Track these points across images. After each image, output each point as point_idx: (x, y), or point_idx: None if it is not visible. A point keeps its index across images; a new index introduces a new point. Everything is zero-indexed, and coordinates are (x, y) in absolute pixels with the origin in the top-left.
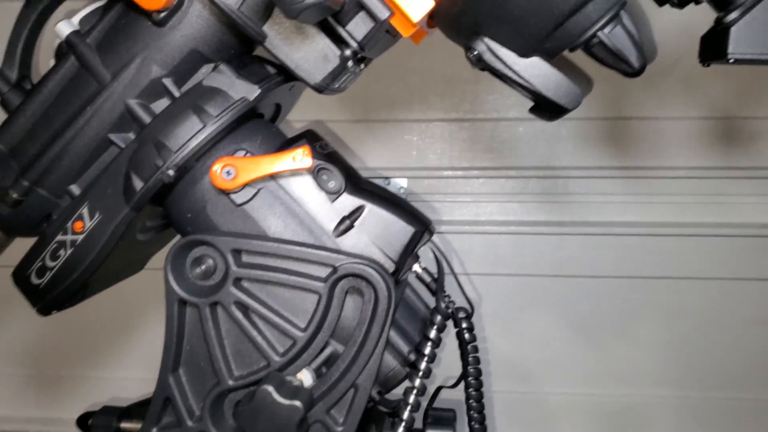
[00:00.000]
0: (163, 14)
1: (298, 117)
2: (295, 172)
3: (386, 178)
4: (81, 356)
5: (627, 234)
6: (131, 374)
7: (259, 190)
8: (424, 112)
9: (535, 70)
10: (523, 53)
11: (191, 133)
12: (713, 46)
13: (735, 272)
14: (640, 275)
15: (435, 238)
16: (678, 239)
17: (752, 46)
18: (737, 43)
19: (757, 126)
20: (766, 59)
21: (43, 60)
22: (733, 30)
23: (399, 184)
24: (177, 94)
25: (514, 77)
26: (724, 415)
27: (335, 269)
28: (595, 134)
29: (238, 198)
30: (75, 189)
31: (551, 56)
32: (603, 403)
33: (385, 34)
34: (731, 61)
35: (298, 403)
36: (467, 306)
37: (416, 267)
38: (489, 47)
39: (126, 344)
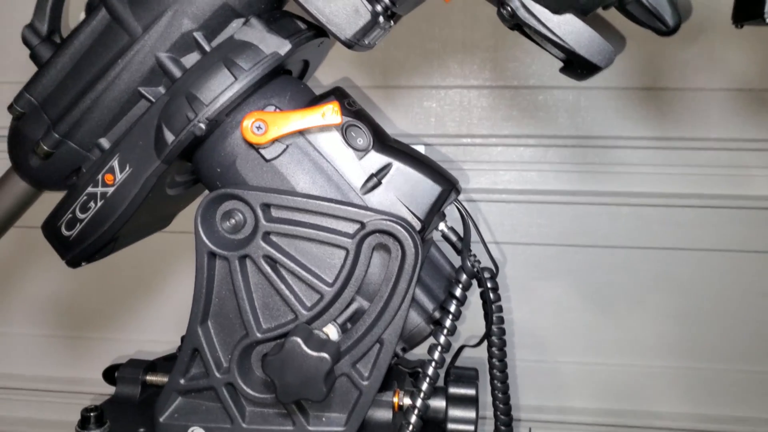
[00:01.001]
0: None
1: (316, 83)
2: (323, 129)
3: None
4: (105, 317)
5: (643, 204)
6: (155, 336)
7: (288, 146)
8: (443, 78)
9: (568, 26)
10: (557, 9)
11: (223, 87)
12: (748, 6)
13: (749, 245)
14: (654, 246)
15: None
16: (694, 210)
17: None
18: None
19: None
20: None
21: (73, 14)
22: None
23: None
24: (208, 48)
25: (548, 33)
26: (734, 387)
27: (363, 225)
28: (613, 104)
29: (268, 153)
30: (105, 142)
31: (585, 13)
32: (614, 373)
33: None
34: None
35: (325, 354)
36: (492, 267)
37: (442, 226)
38: (523, 2)
39: (150, 306)
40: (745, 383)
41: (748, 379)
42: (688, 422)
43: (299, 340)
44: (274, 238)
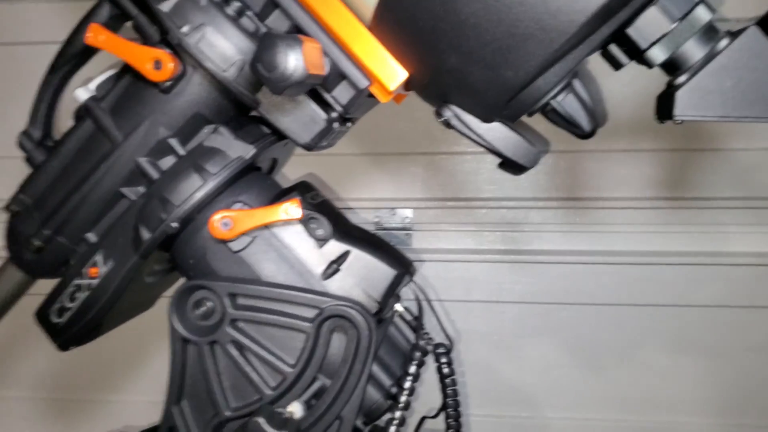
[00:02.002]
0: (168, 83)
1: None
2: (286, 222)
3: (392, 208)
4: (97, 381)
5: (626, 263)
6: (144, 398)
7: (254, 238)
8: (429, 145)
9: (496, 133)
10: (485, 119)
11: (192, 189)
12: (664, 107)
13: (731, 300)
14: (640, 303)
15: (429, 270)
16: (676, 267)
17: (695, 109)
18: (682, 106)
19: (750, 157)
20: (708, 120)
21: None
22: (678, 95)
23: (405, 214)
24: (182, 152)
25: (478, 140)
26: None
27: (321, 311)
28: (592, 165)
29: (235, 246)
30: (91, 237)
31: (511, 120)
32: (605, 428)
33: (367, 98)
34: (678, 122)
35: None
36: (447, 342)
37: (398, 306)
38: (455, 113)
39: (139, 370)
40: None
41: None
42: None
43: (261, 420)
44: (240, 324)
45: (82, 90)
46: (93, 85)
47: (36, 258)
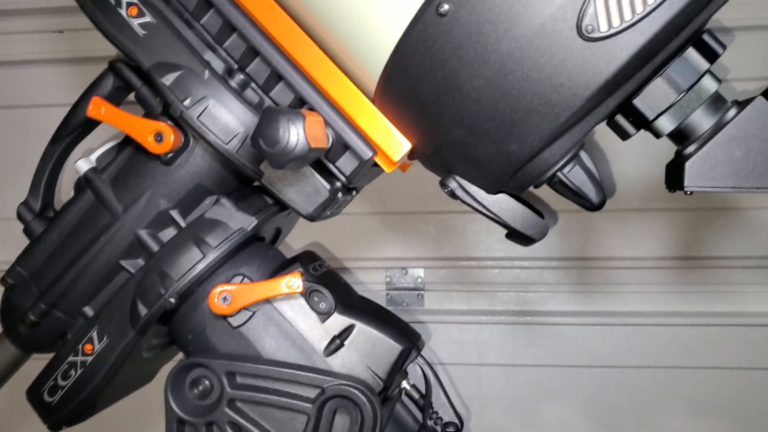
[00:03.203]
0: (169, 155)
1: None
2: (288, 295)
3: (403, 268)
4: None
5: (643, 324)
6: None
7: (254, 313)
8: (439, 204)
9: (502, 205)
10: (491, 191)
11: (192, 263)
12: (673, 177)
13: (752, 361)
14: (657, 365)
15: (441, 332)
16: (693, 328)
17: (705, 179)
18: (692, 177)
19: (764, 216)
20: (718, 191)
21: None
22: (687, 165)
23: (416, 273)
24: (183, 224)
25: (484, 212)
26: None
27: (323, 390)
28: (605, 226)
29: (235, 321)
30: (88, 310)
31: (518, 192)
32: None
33: (371, 168)
34: (688, 193)
35: None
36: (456, 422)
37: (404, 384)
38: (460, 184)
39: None
40: None
41: None
42: None
43: None
44: (238, 404)
45: (82, 161)
46: (94, 156)
47: (31, 332)
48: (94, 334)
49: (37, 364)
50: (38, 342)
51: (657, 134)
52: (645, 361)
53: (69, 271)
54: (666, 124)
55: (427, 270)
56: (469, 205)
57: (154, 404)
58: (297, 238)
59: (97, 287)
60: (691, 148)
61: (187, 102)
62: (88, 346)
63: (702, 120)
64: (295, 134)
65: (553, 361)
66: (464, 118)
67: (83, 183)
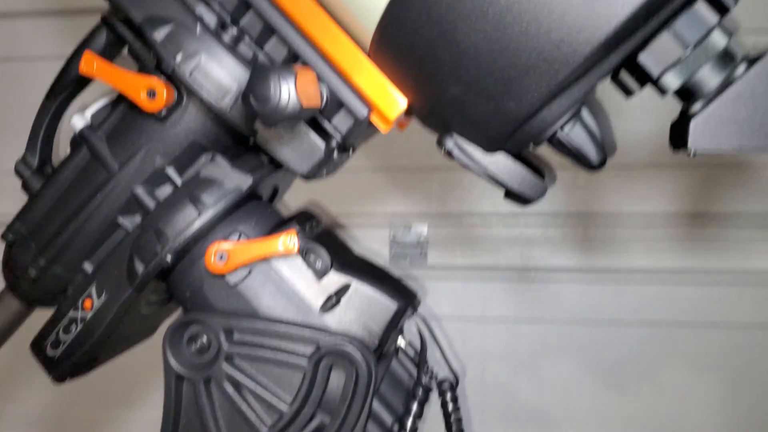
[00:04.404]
0: (163, 112)
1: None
2: (284, 254)
3: (407, 224)
4: (93, 417)
5: (647, 280)
6: None
7: (251, 271)
8: (444, 159)
9: (500, 164)
10: (489, 150)
11: (188, 221)
12: (678, 137)
13: (756, 319)
14: (662, 322)
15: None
16: (699, 285)
17: (710, 140)
18: (696, 137)
19: None
20: (724, 151)
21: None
22: (692, 125)
23: (420, 230)
24: (179, 181)
25: (482, 172)
26: None
27: (318, 347)
28: (612, 181)
29: (232, 279)
30: (88, 266)
31: (516, 151)
32: None
33: (368, 126)
34: (692, 154)
35: None
36: (452, 378)
37: (400, 341)
38: (457, 143)
39: (136, 405)
40: None
41: None
42: None
43: None
44: (236, 360)
45: (77, 118)
46: (89, 112)
47: (32, 287)
48: (93, 291)
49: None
50: (40, 296)
51: (662, 91)
52: (649, 317)
53: (67, 227)
54: (672, 81)
55: (430, 226)
56: (465, 165)
57: (155, 359)
58: (298, 195)
59: (95, 244)
60: (696, 107)
61: (179, 58)
62: (88, 302)
63: (709, 77)
64: (286, 92)
65: (557, 318)
66: (462, 74)
67: (78, 140)
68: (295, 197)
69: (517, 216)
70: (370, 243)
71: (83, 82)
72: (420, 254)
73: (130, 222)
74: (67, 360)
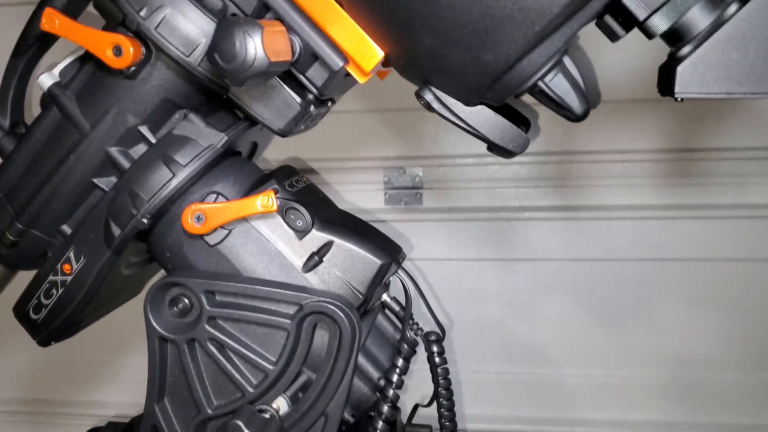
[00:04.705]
0: (131, 69)
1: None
2: (264, 213)
3: (401, 167)
4: (76, 381)
5: (643, 217)
6: (127, 399)
7: (231, 231)
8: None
9: (480, 117)
10: (468, 103)
11: (162, 182)
12: (665, 81)
13: (752, 253)
14: (656, 258)
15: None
16: (696, 221)
17: (698, 85)
18: (683, 82)
19: None
20: (712, 97)
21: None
22: (679, 69)
23: (415, 172)
24: (153, 140)
25: (461, 125)
26: (744, 395)
27: (301, 307)
28: (607, 118)
29: (211, 239)
30: (66, 228)
31: (496, 103)
32: (621, 384)
33: (345, 78)
34: (679, 99)
35: None
36: (438, 331)
37: (385, 297)
38: (436, 96)
39: (121, 367)
40: (756, 391)
41: (759, 386)
42: (697, 431)
43: (240, 423)
44: (219, 321)
45: (45, 76)
46: (57, 70)
47: (12, 252)
48: (71, 255)
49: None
50: (20, 260)
51: (649, 35)
52: (644, 254)
53: (42, 190)
54: (659, 23)
55: (425, 168)
56: (445, 118)
57: (141, 319)
58: (288, 141)
59: (72, 206)
60: (685, 50)
61: (143, 12)
62: (67, 266)
63: (698, 18)
64: (252, 47)
65: (552, 255)
66: (436, 25)
67: (48, 99)
68: (285, 144)
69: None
70: (364, 187)
71: (49, 39)
72: (415, 197)
73: (106, 183)
74: (50, 324)
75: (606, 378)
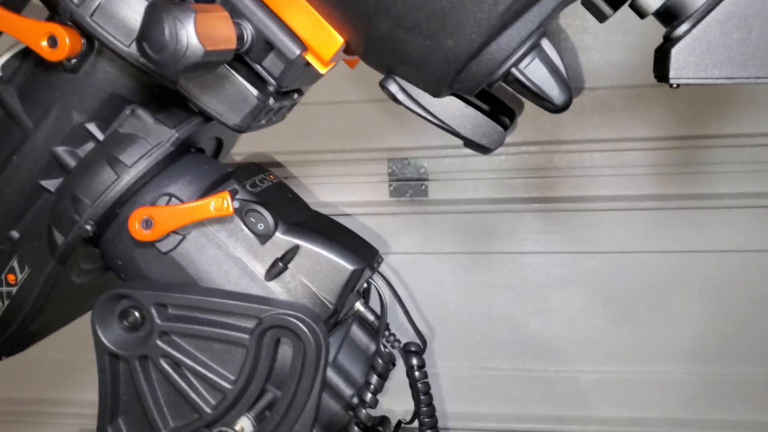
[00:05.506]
0: (72, 62)
1: (312, 99)
2: (221, 217)
3: (406, 158)
4: (35, 391)
5: (657, 208)
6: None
7: (185, 237)
8: None
9: (450, 109)
10: (435, 94)
11: (106, 185)
12: (660, 65)
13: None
14: (671, 250)
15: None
16: (712, 211)
17: (695, 69)
18: (678, 66)
19: None
20: (710, 82)
21: None
22: (674, 52)
23: (420, 163)
24: (102, 138)
25: (429, 118)
26: (762, 391)
27: (260, 321)
28: (620, 104)
29: (163, 246)
30: (15, 234)
31: (467, 94)
32: (636, 381)
33: (306, 67)
34: (674, 86)
35: None
36: (418, 342)
37: (358, 305)
38: (402, 86)
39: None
40: None
41: None
42: (716, 430)
43: None
44: (173, 336)
45: None
46: None
47: None
48: (15, 264)
49: None
50: None
51: (641, 14)
52: (659, 246)
53: None
54: (651, 0)
55: (430, 159)
56: (412, 110)
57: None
58: (291, 130)
59: (19, 210)
60: (681, 29)
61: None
62: (11, 276)
63: None
64: (184, 35)
65: (564, 248)
66: (389, 8)
67: None
68: (287, 137)
69: (520, 145)
70: (369, 179)
71: None
72: (421, 188)
73: (54, 186)
74: None
75: (620, 374)
